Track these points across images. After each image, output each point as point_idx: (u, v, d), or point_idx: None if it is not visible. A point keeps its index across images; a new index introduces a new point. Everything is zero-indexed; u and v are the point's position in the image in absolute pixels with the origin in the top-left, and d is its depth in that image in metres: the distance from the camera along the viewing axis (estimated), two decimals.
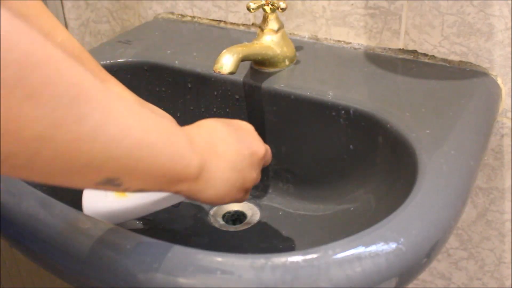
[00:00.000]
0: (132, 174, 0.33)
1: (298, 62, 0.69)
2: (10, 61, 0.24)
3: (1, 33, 0.24)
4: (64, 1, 0.91)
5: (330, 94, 0.61)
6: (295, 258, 0.38)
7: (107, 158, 0.30)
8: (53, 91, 0.26)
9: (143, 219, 0.63)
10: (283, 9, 0.64)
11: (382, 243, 0.39)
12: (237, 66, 0.58)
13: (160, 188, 0.37)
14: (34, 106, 0.25)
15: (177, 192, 0.40)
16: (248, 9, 0.64)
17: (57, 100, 0.26)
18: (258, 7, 0.64)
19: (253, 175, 0.47)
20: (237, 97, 0.67)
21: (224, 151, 0.44)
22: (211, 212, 0.66)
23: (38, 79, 0.26)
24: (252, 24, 0.80)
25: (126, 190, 0.34)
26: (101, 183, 0.32)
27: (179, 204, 0.51)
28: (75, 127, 0.27)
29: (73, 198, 0.62)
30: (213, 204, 0.46)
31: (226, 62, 0.58)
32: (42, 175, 0.29)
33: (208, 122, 0.46)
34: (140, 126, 0.33)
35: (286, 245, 0.60)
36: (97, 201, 0.50)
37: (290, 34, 0.77)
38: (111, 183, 0.32)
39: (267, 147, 0.51)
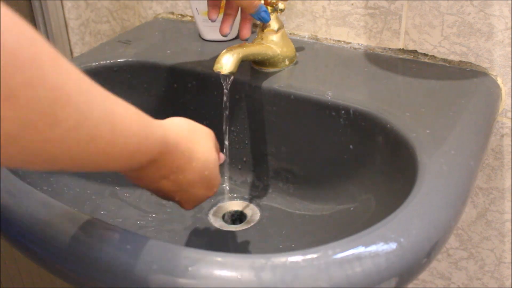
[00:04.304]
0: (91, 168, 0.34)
1: (298, 62, 0.69)
2: None
3: None
4: (64, 1, 0.91)
5: (330, 94, 0.61)
6: (295, 258, 0.38)
7: (70, 159, 0.31)
8: (32, 94, 0.26)
9: (143, 219, 0.63)
10: (281, 10, 0.64)
11: (382, 243, 0.39)
12: (237, 66, 0.58)
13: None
14: (10, 107, 0.25)
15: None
16: None
17: (33, 103, 0.26)
18: None
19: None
20: (237, 97, 0.67)
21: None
22: (211, 212, 0.66)
23: (20, 81, 0.25)
24: (252, 24, 0.80)
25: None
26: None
27: None
28: (45, 131, 0.27)
29: (74, 198, 0.62)
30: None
31: (226, 62, 0.58)
32: (5, 163, 0.28)
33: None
34: (113, 129, 0.33)
35: (286, 245, 0.60)
36: None
37: (290, 34, 0.77)
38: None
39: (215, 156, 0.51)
